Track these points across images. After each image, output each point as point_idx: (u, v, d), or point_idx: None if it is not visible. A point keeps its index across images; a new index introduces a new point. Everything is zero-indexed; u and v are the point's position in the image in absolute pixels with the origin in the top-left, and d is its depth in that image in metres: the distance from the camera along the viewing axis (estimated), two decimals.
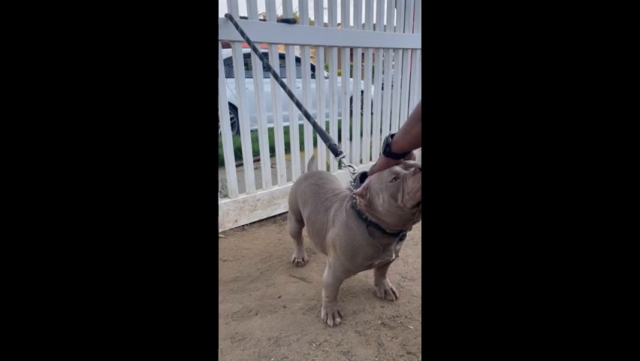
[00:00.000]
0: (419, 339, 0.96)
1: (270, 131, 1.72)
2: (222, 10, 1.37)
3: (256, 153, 1.70)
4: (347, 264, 0.93)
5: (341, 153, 1.03)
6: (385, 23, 2.06)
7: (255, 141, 1.70)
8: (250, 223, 1.74)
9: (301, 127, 1.88)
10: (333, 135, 1.96)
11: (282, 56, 1.90)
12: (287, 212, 1.79)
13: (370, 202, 0.82)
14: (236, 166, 1.62)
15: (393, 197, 0.77)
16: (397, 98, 2.31)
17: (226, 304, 1.12)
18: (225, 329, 1.01)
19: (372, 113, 2.17)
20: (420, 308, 1.08)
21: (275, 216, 1.82)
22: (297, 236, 1.31)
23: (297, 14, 1.63)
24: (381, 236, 0.86)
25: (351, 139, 2.13)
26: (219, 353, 0.92)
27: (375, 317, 1.05)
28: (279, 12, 1.65)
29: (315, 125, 1.14)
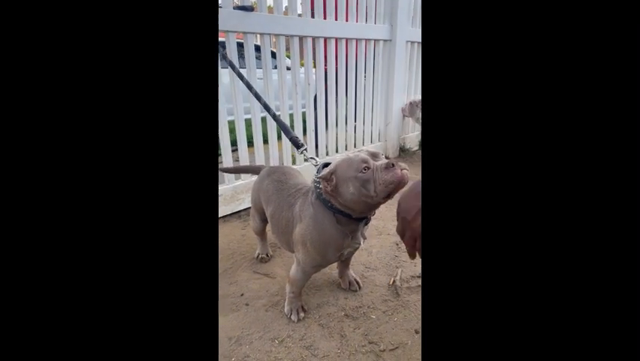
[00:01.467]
0: (381, 328, 0.97)
1: (232, 123, 1.65)
2: None
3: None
4: (318, 258, 0.91)
5: (302, 145, 1.02)
6: (348, 13, 2.04)
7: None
8: None
9: (264, 120, 1.83)
10: (299, 128, 1.93)
11: (241, 45, 1.82)
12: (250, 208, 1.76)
13: (336, 188, 0.81)
14: None
15: (365, 187, 0.77)
16: (362, 89, 2.31)
17: None
18: None
19: (336, 105, 2.16)
20: (382, 297, 1.10)
21: (239, 211, 1.77)
22: (261, 233, 1.29)
23: (256, 1, 1.56)
24: (348, 222, 0.86)
25: (316, 131, 2.11)
26: None
27: (339, 309, 1.05)
28: None
29: (275, 117, 1.11)
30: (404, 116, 2.63)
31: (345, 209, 0.84)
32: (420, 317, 1.01)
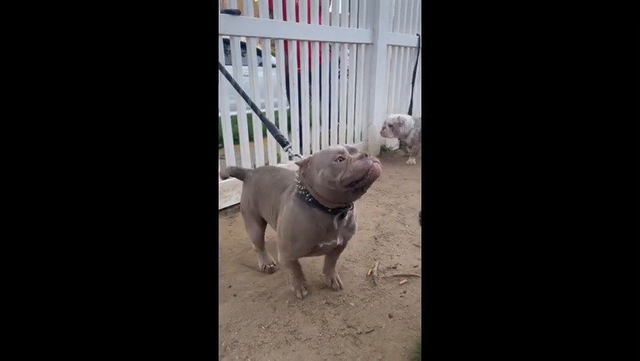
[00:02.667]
0: (358, 314, 1.07)
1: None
2: None
3: None
4: (290, 248, 0.99)
5: (287, 143, 1.08)
6: (331, 17, 2.11)
7: None
8: None
9: (249, 117, 1.88)
10: (283, 126, 2.00)
11: (227, 42, 1.85)
12: (238, 204, 1.81)
13: (309, 173, 0.89)
14: None
15: (333, 173, 0.83)
16: (344, 90, 2.40)
17: None
18: None
19: (320, 104, 2.24)
20: (361, 287, 1.20)
21: (225, 208, 1.82)
22: (260, 242, 1.26)
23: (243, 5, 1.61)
24: (323, 217, 0.92)
25: (301, 130, 2.18)
26: None
27: (321, 298, 1.14)
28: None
29: (262, 117, 1.17)
30: (386, 137, 2.58)
31: (318, 198, 0.90)
32: (393, 302, 1.11)
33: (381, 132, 2.57)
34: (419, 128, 2.53)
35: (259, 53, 2.01)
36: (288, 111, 2.10)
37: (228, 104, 1.68)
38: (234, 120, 1.81)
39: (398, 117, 2.51)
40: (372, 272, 1.27)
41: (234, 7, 1.58)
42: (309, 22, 1.99)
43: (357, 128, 2.63)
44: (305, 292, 1.14)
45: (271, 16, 1.78)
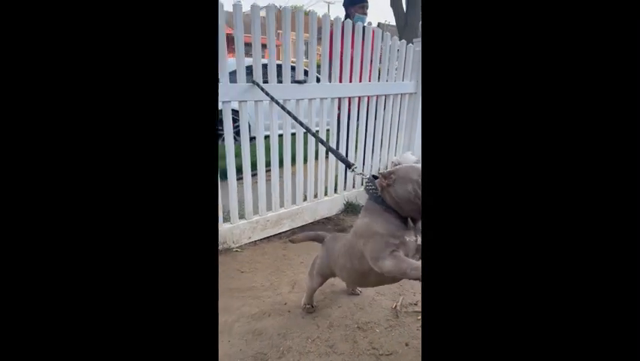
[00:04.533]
0: (382, 339, 1.39)
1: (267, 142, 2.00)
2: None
3: (254, 166, 1.96)
4: (379, 239, 0.93)
5: (352, 164, 1.16)
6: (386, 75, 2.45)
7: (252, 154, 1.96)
8: (261, 239, 2.16)
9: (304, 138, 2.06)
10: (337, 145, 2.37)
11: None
12: (291, 230, 2.21)
13: (393, 185, 0.92)
14: (238, 180, 1.92)
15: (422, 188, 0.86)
16: (387, 135, 2.72)
17: (247, 308, 1.54)
18: (247, 326, 1.44)
19: (365, 146, 2.57)
20: (386, 317, 1.52)
21: (280, 233, 2.23)
22: (315, 290, 1.48)
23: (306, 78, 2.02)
24: (397, 217, 0.94)
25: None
26: (245, 343, 1.35)
27: (353, 322, 1.48)
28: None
29: (322, 141, 1.37)
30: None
31: (394, 205, 0.94)
32: (410, 333, 1.41)
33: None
34: None
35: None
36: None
37: (277, 124, 1.99)
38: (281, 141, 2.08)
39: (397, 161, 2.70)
40: (396, 306, 1.58)
41: (301, 77, 1.99)
42: (360, 80, 2.35)
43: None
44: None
45: (330, 80, 2.17)
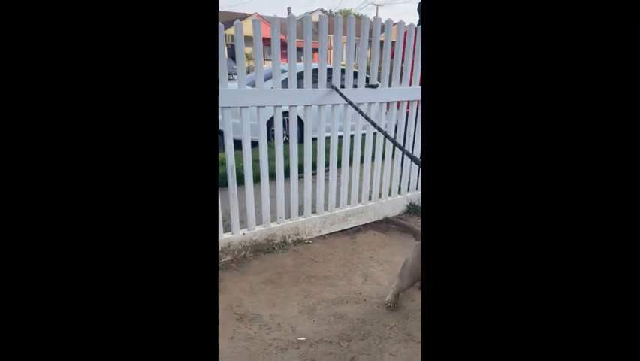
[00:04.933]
0: None
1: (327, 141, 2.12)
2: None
3: (315, 165, 2.08)
4: None
5: None
6: None
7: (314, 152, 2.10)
8: (329, 233, 2.30)
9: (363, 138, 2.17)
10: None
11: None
12: (357, 226, 2.32)
13: None
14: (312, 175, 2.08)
15: None
16: None
17: (325, 294, 1.68)
18: (327, 309, 1.57)
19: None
20: None
21: (347, 229, 2.36)
22: (401, 292, 1.58)
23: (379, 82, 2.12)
24: None
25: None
26: (328, 324, 1.48)
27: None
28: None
29: (394, 141, 1.48)
30: None
31: None
32: None
33: None
34: None
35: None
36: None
37: (349, 125, 2.12)
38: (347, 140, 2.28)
39: None
40: None
41: (374, 82, 2.10)
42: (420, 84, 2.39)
43: None
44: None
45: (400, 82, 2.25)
